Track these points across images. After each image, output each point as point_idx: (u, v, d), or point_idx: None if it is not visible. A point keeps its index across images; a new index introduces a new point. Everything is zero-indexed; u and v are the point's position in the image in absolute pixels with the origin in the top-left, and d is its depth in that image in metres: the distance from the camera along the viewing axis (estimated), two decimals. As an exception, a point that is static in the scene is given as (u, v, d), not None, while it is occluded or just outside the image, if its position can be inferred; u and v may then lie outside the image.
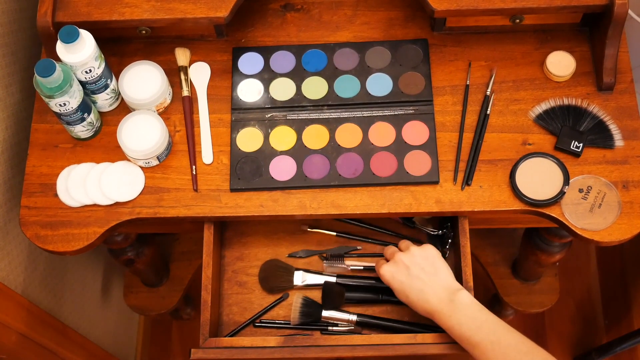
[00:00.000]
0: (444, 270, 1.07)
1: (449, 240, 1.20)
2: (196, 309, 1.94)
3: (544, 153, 1.13)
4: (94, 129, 1.17)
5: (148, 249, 1.42)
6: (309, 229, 1.25)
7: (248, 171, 1.15)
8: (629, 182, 1.12)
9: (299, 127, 1.18)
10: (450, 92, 1.19)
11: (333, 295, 1.19)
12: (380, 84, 1.19)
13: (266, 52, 1.23)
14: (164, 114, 1.19)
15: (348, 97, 1.19)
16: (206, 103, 1.20)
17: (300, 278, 1.21)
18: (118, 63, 1.22)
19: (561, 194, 1.10)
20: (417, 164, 1.14)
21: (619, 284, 1.89)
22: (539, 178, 1.11)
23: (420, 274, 1.06)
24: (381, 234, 1.26)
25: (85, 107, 1.12)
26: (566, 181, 1.10)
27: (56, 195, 1.14)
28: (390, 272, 1.08)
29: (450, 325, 1.02)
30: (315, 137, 1.17)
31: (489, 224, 1.32)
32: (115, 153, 1.17)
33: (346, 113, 1.18)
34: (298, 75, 1.21)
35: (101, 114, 1.20)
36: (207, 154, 1.16)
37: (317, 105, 1.18)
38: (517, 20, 1.19)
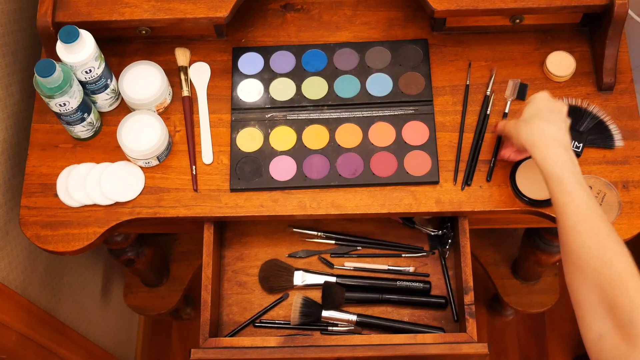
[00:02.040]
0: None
1: (449, 240, 1.20)
2: (196, 309, 1.94)
3: None
4: (94, 129, 1.17)
5: (148, 249, 1.42)
6: (294, 229, 1.25)
7: (248, 171, 1.15)
8: (629, 182, 1.12)
9: (299, 127, 1.18)
10: (450, 92, 1.19)
11: (333, 295, 1.19)
12: (380, 84, 1.19)
13: (266, 52, 1.23)
14: (164, 114, 1.19)
15: (348, 97, 1.19)
16: (206, 103, 1.20)
17: (300, 278, 1.22)
18: (118, 63, 1.22)
19: None
20: (417, 164, 1.14)
21: (619, 284, 1.88)
22: (539, 178, 1.11)
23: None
24: (375, 240, 1.26)
25: (85, 107, 1.12)
26: None
27: (56, 195, 1.14)
28: (546, 95, 1.05)
29: (543, 156, 0.96)
30: (315, 137, 1.17)
31: (489, 224, 1.32)
32: (115, 153, 1.17)
33: (346, 113, 1.18)
34: (298, 75, 1.21)
35: (101, 114, 1.20)
36: (207, 154, 1.16)
37: (317, 105, 1.18)
38: (517, 21, 1.19)
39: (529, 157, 1.12)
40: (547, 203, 1.10)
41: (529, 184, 1.11)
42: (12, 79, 1.22)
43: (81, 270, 1.57)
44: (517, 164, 1.12)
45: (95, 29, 1.12)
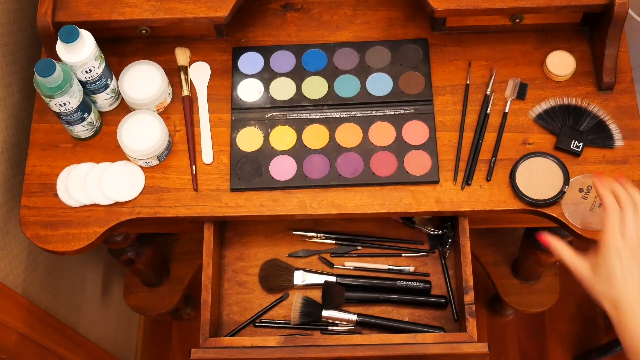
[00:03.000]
0: None
1: (449, 240, 1.20)
2: (196, 309, 1.94)
3: (544, 153, 1.13)
4: (94, 129, 1.17)
5: (148, 249, 1.42)
6: (294, 232, 1.25)
7: (248, 171, 1.15)
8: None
9: (299, 126, 1.18)
10: (451, 91, 1.19)
11: (333, 295, 1.19)
12: (380, 84, 1.19)
13: (266, 52, 1.23)
14: (164, 113, 1.20)
15: (348, 97, 1.19)
16: (206, 103, 1.20)
17: (300, 278, 1.22)
18: (118, 63, 1.22)
19: (561, 193, 1.10)
20: (417, 163, 1.14)
21: (619, 284, 1.88)
22: (539, 178, 1.11)
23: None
24: (375, 240, 1.26)
25: (85, 107, 1.12)
26: (566, 181, 1.10)
27: (56, 195, 1.14)
28: (616, 244, 0.94)
29: (633, 327, 0.91)
30: (315, 136, 1.17)
31: (489, 224, 1.32)
32: (115, 153, 1.17)
33: (346, 113, 1.18)
34: (298, 75, 1.21)
35: (101, 114, 1.20)
36: (207, 154, 1.16)
37: (317, 105, 1.18)
38: (517, 20, 1.19)
39: (528, 158, 1.12)
40: (547, 203, 1.10)
41: (529, 184, 1.11)
42: (12, 79, 1.22)
43: (81, 270, 1.57)
44: (516, 163, 1.12)
45: (95, 28, 1.12)
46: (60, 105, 1.07)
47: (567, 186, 1.10)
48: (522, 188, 1.11)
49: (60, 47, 1.07)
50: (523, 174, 1.12)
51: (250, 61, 1.22)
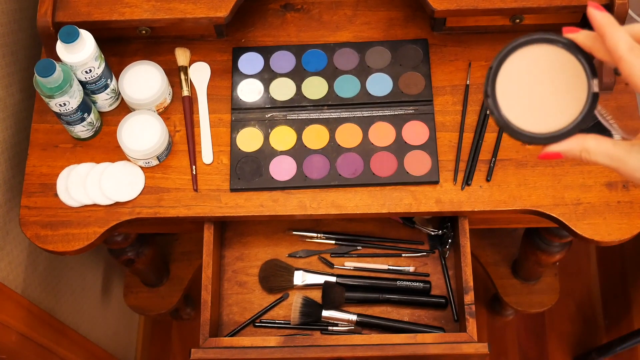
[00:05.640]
0: None
1: (449, 240, 1.20)
2: (196, 309, 1.94)
3: (546, 37, 0.66)
4: (94, 129, 1.17)
5: (148, 249, 1.42)
6: (294, 232, 1.25)
7: (248, 171, 1.15)
8: (629, 182, 1.12)
9: (299, 127, 1.18)
10: (451, 92, 1.19)
11: (333, 295, 1.19)
12: (380, 84, 1.19)
13: (266, 52, 1.23)
14: (164, 114, 1.20)
15: (348, 97, 1.19)
16: (206, 103, 1.20)
17: (300, 278, 1.22)
18: (118, 63, 1.22)
19: (592, 101, 0.66)
20: (417, 164, 1.14)
21: (619, 284, 1.89)
22: (541, 89, 0.65)
23: None
24: (375, 240, 1.26)
25: (85, 107, 1.12)
26: (593, 73, 0.65)
27: (56, 195, 1.14)
28: None
29: None
30: (315, 137, 1.17)
31: (489, 224, 1.32)
32: (115, 153, 1.17)
33: (346, 113, 1.18)
34: (298, 75, 1.21)
35: (101, 114, 1.20)
36: (207, 154, 1.16)
37: (317, 105, 1.18)
38: (517, 20, 1.19)
39: (518, 49, 0.72)
40: (568, 132, 0.68)
41: (528, 108, 0.66)
42: (12, 79, 1.22)
43: (81, 270, 1.57)
44: (498, 63, 0.71)
45: (95, 28, 1.12)
46: (60, 105, 1.07)
47: (595, 80, 0.65)
48: (516, 120, 0.64)
49: (60, 47, 1.07)
50: (509, 80, 0.67)
51: (250, 61, 1.22)
